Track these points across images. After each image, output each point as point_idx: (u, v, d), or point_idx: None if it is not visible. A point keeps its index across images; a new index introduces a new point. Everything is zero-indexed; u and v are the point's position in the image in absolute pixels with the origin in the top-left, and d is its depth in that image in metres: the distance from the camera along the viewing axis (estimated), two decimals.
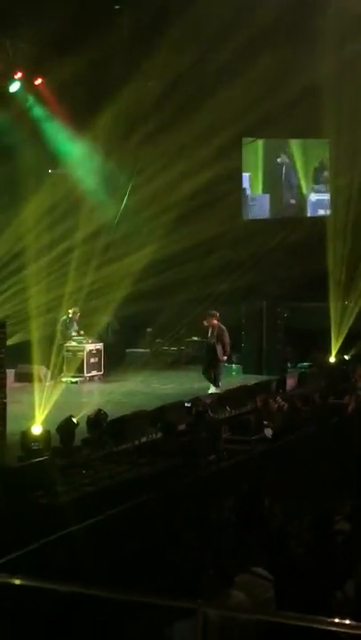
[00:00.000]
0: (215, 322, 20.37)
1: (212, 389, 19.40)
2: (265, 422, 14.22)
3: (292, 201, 28.33)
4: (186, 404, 15.61)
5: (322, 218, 26.37)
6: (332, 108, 23.61)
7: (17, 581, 5.87)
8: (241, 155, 27.12)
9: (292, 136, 27.31)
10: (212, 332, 20.34)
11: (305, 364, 23.50)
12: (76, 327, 22.09)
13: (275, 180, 27.95)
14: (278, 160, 27.74)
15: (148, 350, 25.06)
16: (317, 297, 23.81)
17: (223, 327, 20.43)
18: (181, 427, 14.51)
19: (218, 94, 23.03)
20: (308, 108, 23.85)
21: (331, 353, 22.31)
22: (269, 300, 24.09)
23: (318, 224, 25.73)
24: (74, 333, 21.96)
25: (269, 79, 22.87)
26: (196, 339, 25.33)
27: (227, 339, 20.28)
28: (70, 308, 22.15)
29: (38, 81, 23.17)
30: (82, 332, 22.19)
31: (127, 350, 24.85)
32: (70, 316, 22.02)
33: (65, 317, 21.96)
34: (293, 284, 24.75)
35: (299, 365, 23.82)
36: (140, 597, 5.57)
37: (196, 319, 24.71)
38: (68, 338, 21.75)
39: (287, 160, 27.78)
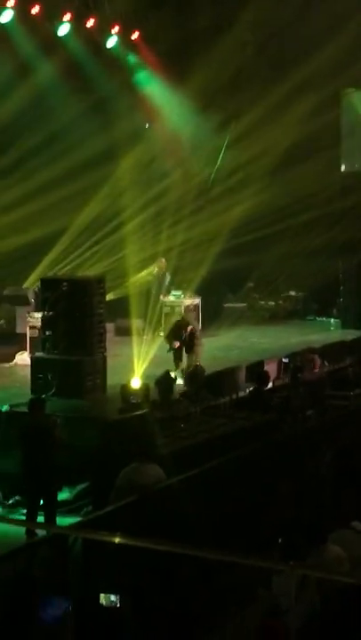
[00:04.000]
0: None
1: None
2: None
3: None
4: (283, 360, 15.60)
5: None
6: None
7: (117, 539, 5.99)
8: (340, 106, 26.60)
9: None
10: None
11: None
12: (168, 278, 21.88)
13: None
14: None
15: (245, 305, 25.02)
16: None
17: None
18: (279, 382, 14.52)
19: (316, 44, 22.60)
20: None
21: None
22: None
23: None
24: (167, 283, 21.78)
25: None
26: (293, 293, 25.18)
27: None
28: (156, 262, 21.94)
29: (135, 35, 23.12)
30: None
31: (224, 305, 24.85)
32: (160, 267, 21.85)
33: (155, 270, 21.86)
34: None
35: None
36: (233, 558, 5.62)
37: (294, 273, 24.60)
38: (163, 290, 21.61)
39: None
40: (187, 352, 16.21)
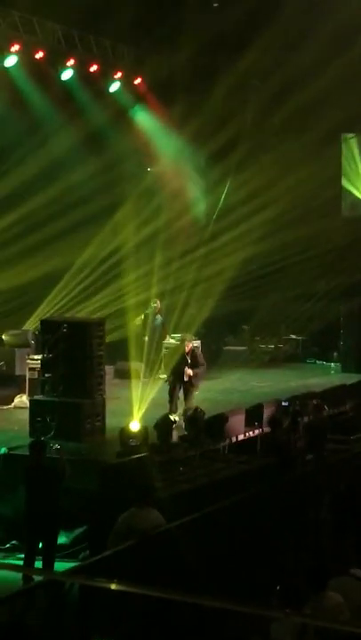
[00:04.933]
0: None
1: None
2: None
3: None
4: (283, 403, 15.54)
5: None
6: None
7: (113, 586, 5.92)
8: (341, 151, 26.78)
9: None
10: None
11: None
12: (160, 319, 21.87)
13: None
14: None
15: (245, 348, 25.02)
16: None
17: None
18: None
19: (317, 90, 22.82)
20: None
21: None
22: None
23: None
24: (158, 324, 21.75)
25: None
26: (294, 336, 25.19)
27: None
28: (152, 302, 22.00)
29: (138, 80, 23.40)
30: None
31: (224, 348, 24.86)
32: (153, 306, 21.90)
33: (148, 311, 21.91)
34: None
35: None
36: (229, 605, 5.53)
37: (295, 317, 24.63)
38: (153, 330, 21.59)
39: None
40: (185, 392, 16.20)
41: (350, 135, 26.13)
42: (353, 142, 26.30)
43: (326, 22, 21.00)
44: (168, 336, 21.64)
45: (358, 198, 26.08)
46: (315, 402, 14.74)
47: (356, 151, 26.25)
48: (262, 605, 5.89)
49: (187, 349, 16.44)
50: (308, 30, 21.75)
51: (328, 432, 13.81)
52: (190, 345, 16.71)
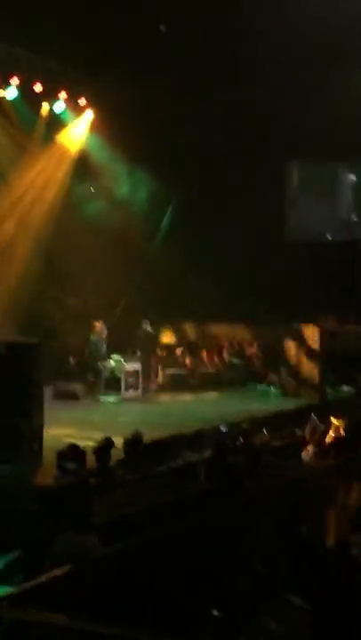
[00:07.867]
0: None
1: None
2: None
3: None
4: (222, 429, 15.53)
5: None
6: None
7: (62, 621, 5.76)
8: (286, 178, 26.98)
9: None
10: None
11: (345, 388, 23.29)
12: (103, 343, 21.83)
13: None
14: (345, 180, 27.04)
15: (185, 372, 24.99)
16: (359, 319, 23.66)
17: None
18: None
19: (267, 112, 23.04)
20: None
21: None
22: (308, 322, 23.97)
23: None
24: (104, 349, 21.71)
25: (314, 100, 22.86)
26: (235, 361, 25.27)
27: None
28: (95, 325, 21.90)
29: (82, 101, 23.45)
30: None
31: (167, 371, 24.82)
32: (97, 330, 21.87)
33: (92, 336, 21.85)
34: (333, 308, 24.59)
35: (338, 389, 23.63)
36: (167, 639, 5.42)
37: (237, 341, 24.71)
38: (98, 354, 21.53)
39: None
40: None
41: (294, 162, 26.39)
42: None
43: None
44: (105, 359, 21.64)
45: None
46: (252, 427, 14.76)
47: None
48: (199, 634, 5.80)
49: None
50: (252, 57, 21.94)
51: (266, 457, 13.80)
52: None
